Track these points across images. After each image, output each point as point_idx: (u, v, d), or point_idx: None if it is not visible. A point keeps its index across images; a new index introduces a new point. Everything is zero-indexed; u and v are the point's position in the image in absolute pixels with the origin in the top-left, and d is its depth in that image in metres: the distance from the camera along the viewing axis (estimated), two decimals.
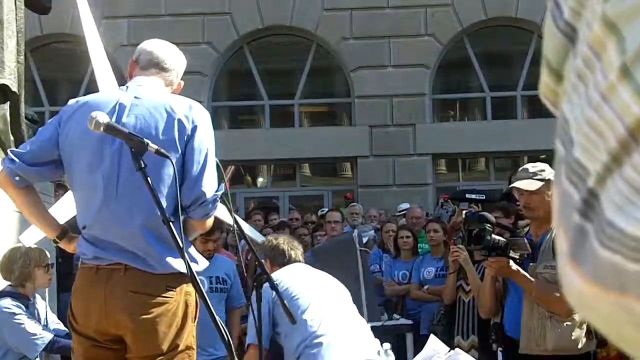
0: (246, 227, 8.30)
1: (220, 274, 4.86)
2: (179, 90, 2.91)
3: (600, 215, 0.46)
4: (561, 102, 0.54)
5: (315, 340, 3.45)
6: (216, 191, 2.64)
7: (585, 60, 0.50)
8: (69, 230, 2.83)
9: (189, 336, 2.67)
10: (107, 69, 4.55)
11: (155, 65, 2.81)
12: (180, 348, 2.64)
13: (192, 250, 2.73)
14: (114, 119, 2.54)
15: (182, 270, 2.53)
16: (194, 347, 2.72)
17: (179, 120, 2.60)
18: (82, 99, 2.83)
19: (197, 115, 2.66)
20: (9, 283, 4.05)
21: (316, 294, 3.69)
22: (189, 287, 2.63)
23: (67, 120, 2.70)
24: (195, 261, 2.68)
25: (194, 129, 2.61)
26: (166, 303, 2.59)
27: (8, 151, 2.77)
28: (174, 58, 2.88)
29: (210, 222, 2.73)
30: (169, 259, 2.57)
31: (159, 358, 2.62)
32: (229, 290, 4.92)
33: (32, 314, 4.03)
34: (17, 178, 2.65)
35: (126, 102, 2.66)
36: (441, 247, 6.32)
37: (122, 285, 2.57)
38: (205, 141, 2.64)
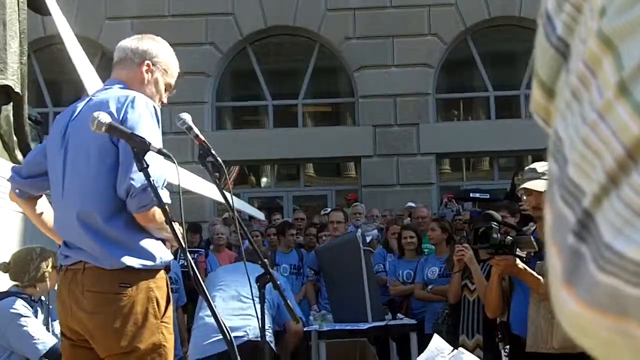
0: (248, 207, 8.28)
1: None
2: (142, 76, 2.83)
3: (596, 237, 0.45)
4: (554, 120, 0.53)
5: None
6: (145, 181, 2.47)
7: (580, 77, 0.49)
8: None
9: (155, 334, 2.61)
10: (92, 73, 4.57)
11: (118, 61, 2.87)
12: (143, 347, 2.59)
13: (145, 243, 2.62)
14: (66, 123, 2.74)
15: (132, 265, 2.55)
16: (166, 343, 2.65)
17: (110, 113, 2.56)
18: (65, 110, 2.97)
19: (129, 107, 2.61)
20: (15, 283, 4.03)
21: None
22: (152, 283, 2.60)
23: (50, 133, 2.89)
24: (145, 256, 2.61)
25: (124, 120, 2.57)
26: (119, 300, 2.57)
27: (10, 168, 2.97)
28: (133, 44, 2.87)
29: (155, 214, 2.56)
30: (115, 254, 2.56)
31: (122, 357, 2.59)
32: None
33: (39, 314, 4.02)
34: (17, 191, 2.89)
35: (80, 106, 2.77)
36: (443, 246, 6.31)
37: (80, 285, 2.61)
38: (136, 132, 2.53)
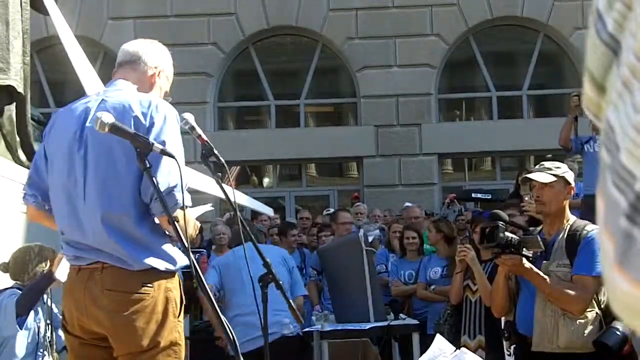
0: (256, 204, 8.25)
1: None
2: (154, 80, 2.88)
3: None
4: (605, 112, 0.54)
5: None
6: (172, 186, 2.57)
7: (632, 69, 0.50)
8: None
9: (172, 332, 2.68)
10: (91, 72, 4.56)
11: (126, 63, 2.88)
12: (162, 345, 2.65)
13: (167, 247, 2.69)
14: (80, 124, 2.71)
15: (158, 267, 2.61)
16: (180, 342, 2.73)
17: (135, 117, 2.61)
18: (60, 109, 2.96)
19: (155, 112, 2.64)
20: (16, 282, 4.04)
21: None
22: (170, 283, 2.67)
23: (48, 133, 2.84)
24: (168, 259, 2.66)
25: (151, 125, 2.60)
26: (143, 300, 2.62)
27: (26, 186, 2.88)
28: (145, 48, 2.90)
29: (181, 215, 2.58)
30: (141, 257, 2.61)
31: (141, 355, 2.64)
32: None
33: (39, 312, 4.02)
34: (46, 207, 2.80)
35: (92, 106, 2.74)
36: (442, 246, 6.30)
37: (99, 284, 2.62)
38: (163, 136, 2.60)
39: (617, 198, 0.49)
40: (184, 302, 2.78)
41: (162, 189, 2.52)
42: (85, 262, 2.67)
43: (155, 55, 2.91)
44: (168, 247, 2.69)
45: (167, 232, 2.68)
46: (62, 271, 3.61)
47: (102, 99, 2.75)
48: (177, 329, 2.71)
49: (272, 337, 4.72)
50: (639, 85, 0.48)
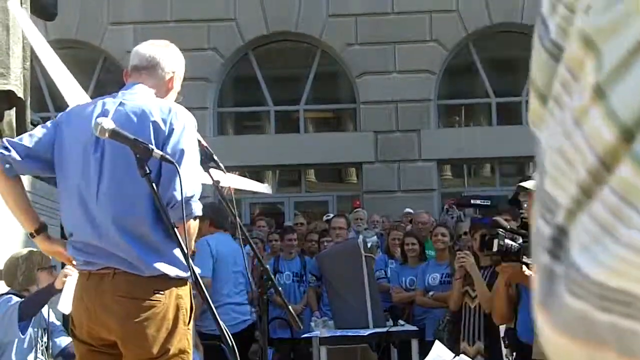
0: (252, 184, 8.24)
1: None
2: (172, 85, 2.87)
3: (568, 256, 0.41)
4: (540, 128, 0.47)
5: None
6: (190, 194, 2.58)
7: (563, 82, 0.45)
8: (47, 227, 2.83)
9: (182, 340, 2.67)
10: (72, 82, 4.52)
11: (143, 68, 2.84)
12: (172, 352, 2.65)
13: (179, 253, 2.65)
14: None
15: (169, 273, 2.60)
16: (189, 350, 2.72)
17: (155, 123, 2.61)
18: (73, 107, 2.94)
19: (175, 119, 2.64)
20: (10, 288, 4.05)
21: None
22: (180, 290, 2.66)
23: (63, 127, 2.78)
24: (180, 266, 2.65)
25: (171, 132, 2.61)
26: (154, 307, 2.61)
27: (4, 140, 2.81)
28: (162, 53, 2.88)
29: (191, 225, 2.66)
30: (153, 261, 2.60)
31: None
32: None
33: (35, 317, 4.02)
34: (7, 166, 2.69)
35: (110, 109, 2.71)
36: (446, 252, 6.31)
37: (110, 291, 2.61)
38: (182, 144, 2.62)
39: (542, 229, 0.44)
40: (194, 310, 2.76)
41: (178, 198, 2.53)
42: (95, 267, 2.65)
43: (172, 60, 2.89)
44: (179, 253, 2.66)
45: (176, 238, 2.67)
46: (65, 301, 3.41)
47: (121, 102, 2.74)
48: (186, 337, 2.70)
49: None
50: (570, 101, 0.43)
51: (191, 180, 2.58)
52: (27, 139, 2.78)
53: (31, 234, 2.83)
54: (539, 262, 0.44)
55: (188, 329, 2.71)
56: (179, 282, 2.66)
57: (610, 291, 0.37)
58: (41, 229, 2.79)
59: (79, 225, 2.71)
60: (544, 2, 0.52)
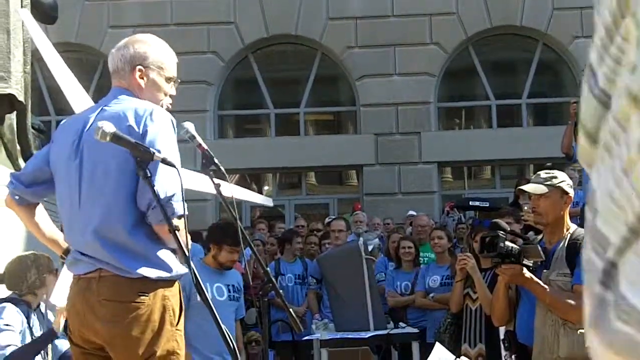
0: (255, 196, 8.22)
1: (234, 283, 4.94)
2: (143, 78, 2.80)
3: (617, 286, 0.47)
4: (592, 170, 0.55)
5: None
6: (170, 195, 2.55)
7: (612, 132, 0.50)
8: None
9: (170, 341, 2.65)
10: (76, 86, 4.53)
11: (114, 72, 2.85)
12: (159, 353, 2.63)
13: (163, 254, 2.66)
14: (78, 134, 2.73)
15: (150, 276, 2.59)
16: (179, 351, 2.70)
17: (129, 127, 2.60)
18: (65, 120, 2.98)
19: (149, 120, 2.62)
20: (14, 291, 4.02)
21: None
22: (167, 292, 2.65)
23: (54, 141, 2.86)
24: (162, 267, 2.64)
25: (145, 133, 2.58)
26: (138, 309, 2.60)
27: (10, 174, 2.95)
28: (122, 52, 2.83)
29: (182, 227, 2.59)
30: (135, 267, 2.60)
31: None
32: (239, 300, 4.99)
33: (35, 322, 4.00)
34: (16, 197, 2.85)
35: (91, 116, 2.75)
36: (446, 254, 6.32)
37: (96, 294, 2.62)
38: (157, 144, 2.58)
39: (594, 260, 0.50)
40: (183, 310, 2.75)
41: (160, 198, 2.51)
42: (83, 270, 2.67)
43: (132, 55, 2.82)
44: (164, 255, 2.66)
45: (163, 241, 2.66)
46: (58, 296, 3.50)
47: (102, 109, 2.77)
48: (174, 338, 2.68)
49: None
50: (618, 151, 0.48)
51: (168, 181, 2.54)
52: (29, 166, 2.94)
53: (61, 257, 2.94)
54: (592, 290, 0.50)
55: (177, 329, 2.69)
56: (166, 283, 2.65)
57: None
58: (67, 252, 2.86)
59: (67, 232, 2.78)
60: (592, 52, 0.56)
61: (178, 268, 2.70)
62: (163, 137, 2.61)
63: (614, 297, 0.47)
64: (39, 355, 3.96)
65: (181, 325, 2.72)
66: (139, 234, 2.62)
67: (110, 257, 2.60)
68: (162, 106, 2.83)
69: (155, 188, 2.49)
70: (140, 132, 2.58)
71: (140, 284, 2.60)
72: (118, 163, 2.60)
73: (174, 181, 2.53)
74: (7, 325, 3.82)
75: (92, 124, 2.69)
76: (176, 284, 2.72)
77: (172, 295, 2.67)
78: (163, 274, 2.63)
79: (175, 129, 2.70)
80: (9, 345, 3.78)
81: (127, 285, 2.60)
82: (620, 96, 0.49)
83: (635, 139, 0.46)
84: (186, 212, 2.59)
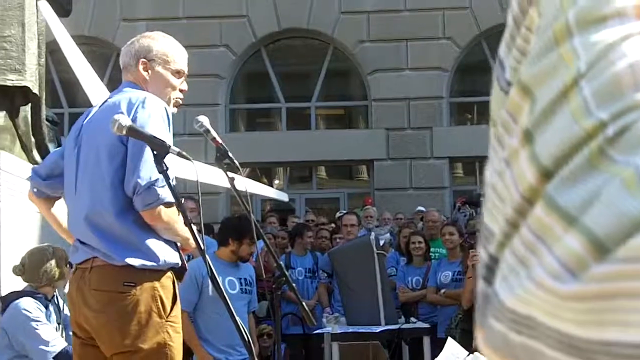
0: (270, 191, 8.17)
1: (247, 276, 4.96)
2: (147, 71, 2.84)
3: (495, 282, 0.46)
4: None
5: None
6: (153, 181, 2.54)
7: (504, 124, 0.49)
8: None
9: (159, 333, 2.61)
10: (95, 79, 4.58)
11: (123, 67, 2.92)
12: (148, 345, 2.59)
13: (152, 243, 2.63)
14: (80, 124, 2.83)
15: (134, 265, 2.57)
16: (172, 343, 2.65)
17: (121, 114, 2.61)
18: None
19: (140, 108, 2.63)
20: (29, 284, 4.04)
21: None
22: (158, 283, 2.62)
23: (69, 134, 2.96)
24: (148, 256, 2.61)
25: (134, 120, 2.58)
26: (123, 299, 2.59)
27: (32, 167, 3.06)
28: (130, 47, 2.91)
29: (161, 213, 2.59)
30: (122, 254, 2.59)
31: (126, 356, 2.60)
32: (252, 293, 5.02)
33: (52, 314, 4.03)
34: (35, 190, 2.95)
35: (95, 108, 2.87)
36: (457, 250, 6.31)
37: (87, 283, 2.65)
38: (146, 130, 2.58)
39: (482, 256, 0.49)
40: (178, 301, 2.70)
41: (142, 183, 2.53)
42: (79, 258, 2.70)
43: (137, 49, 2.87)
44: (152, 243, 2.63)
45: (153, 229, 2.65)
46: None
47: (105, 101, 2.84)
48: (165, 330, 2.62)
49: None
50: (509, 140, 0.47)
51: (149, 166, 2.51)
52: (47, 159, 3.06)
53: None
54: (478, 286, 0.49)
55: (167, 321, 2.64)
56: (154, 273, 2.62)
57: (519, 317, 0.43)
58: None
59: (69, 220, 2.84)
60: (502, 44, 0.55)
61: (167, 257, 2.65)
62: (152, 123, 2.59)
63: (492, 293, 0.46)
64: (56, 330, 3.97)
65: (175, 316, 2.68)
66: (126, 221, 2.61)
67: (100, 244, 2.62)
68: (170, 100, 2.84)
69: (139, 172, 2.52)
70: (131, 119, 2.57)
71: (125, 272, 2.58)
72: (108, 150, 2.63)
73: (154, 168, 2.47)
74: (38, 320, 3.85)
75: (94, 115, 2.79)
76: (168, 274, 2.67)
77: (162, 286, 2.63)
78: (148, 263, 2.59)
79: (169, 117, 2.68)
80: (55, 339, 3.82)
81: (113, 275, 2.59)
82: (514, 86, 0.48)
83: (520, 127, 0.45)
84: (171, 199, 2.52)
